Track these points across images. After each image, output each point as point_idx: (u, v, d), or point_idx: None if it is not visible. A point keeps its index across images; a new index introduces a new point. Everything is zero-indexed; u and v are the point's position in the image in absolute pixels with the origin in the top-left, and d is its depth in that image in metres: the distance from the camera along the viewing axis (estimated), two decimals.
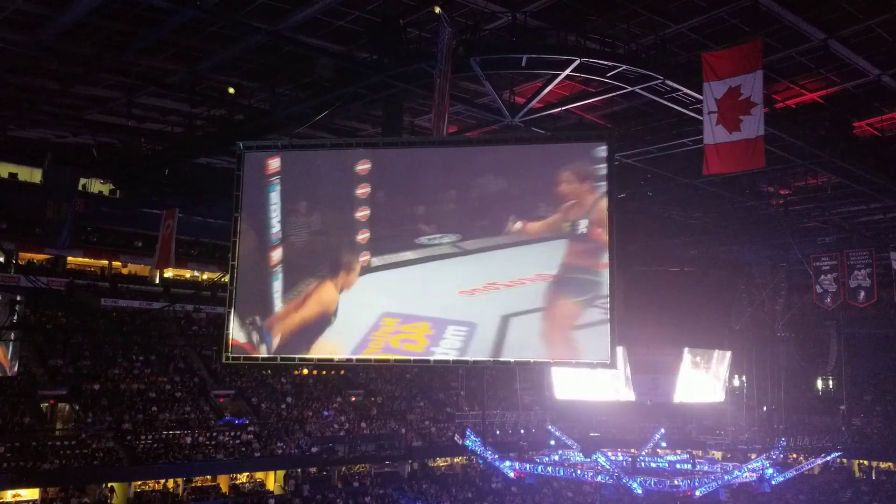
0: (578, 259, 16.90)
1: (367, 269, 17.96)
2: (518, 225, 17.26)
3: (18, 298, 26.23)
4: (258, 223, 18.50)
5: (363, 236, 18.05)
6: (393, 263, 17.85)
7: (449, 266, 17.59)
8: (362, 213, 18.08)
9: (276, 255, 18.38)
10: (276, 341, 18.15)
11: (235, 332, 18.25)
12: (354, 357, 18.33)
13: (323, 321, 17.95)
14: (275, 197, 18.52)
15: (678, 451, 42.88)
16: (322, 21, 18.61)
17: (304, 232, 18.53)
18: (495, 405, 47.23)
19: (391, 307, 17.79)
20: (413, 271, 17.76)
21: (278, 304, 18.22)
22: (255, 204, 18.52)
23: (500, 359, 17.20)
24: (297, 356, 18.65)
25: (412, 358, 18.15)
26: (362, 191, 18.14)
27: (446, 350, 17.26)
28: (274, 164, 18.54)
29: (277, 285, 18.28)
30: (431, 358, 17.56)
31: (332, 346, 17.97)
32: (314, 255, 18.37)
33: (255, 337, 18.24)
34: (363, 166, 18.14)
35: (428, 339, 17.43)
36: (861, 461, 46.27)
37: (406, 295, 17.86)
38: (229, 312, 18.22)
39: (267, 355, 18.46)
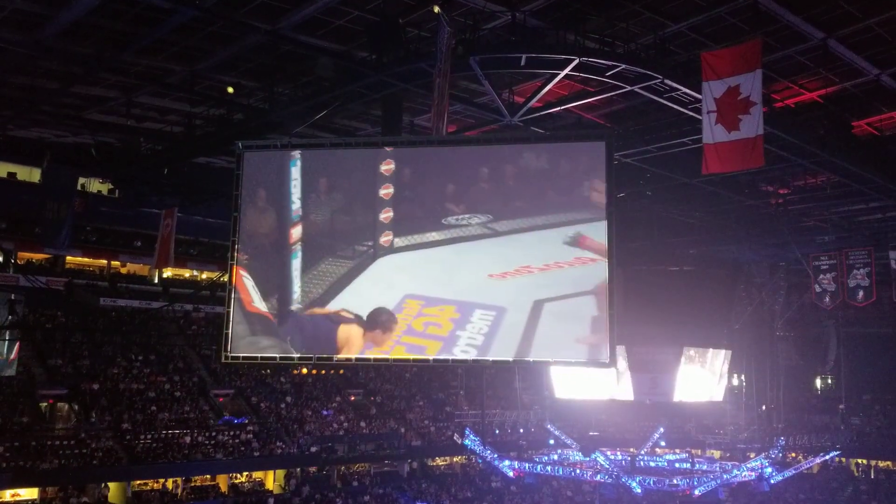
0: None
1: (389, 250, 17.45)
2: (555, 206, 16.57)
3: (13, 296, 26.15)
4: (278, 199, 18.07)
5: (386, 215, 17.51)
6: (418, 244, 17.31)
7: (478, 248, 16.98)
8: (386, 191, 17.52)
9: (296, 232, 17.97)
10: (296, 317, 17.82)
11: (258, 302, 17.91)
12: (354, 357, 18.25)
13: (344, 301, 17.56)
14: (295, 172, 18.09)
15: (677, 451, 42.94)
16: (321, 20, 18.60)
17: (325, 210, 17.98)
18: (495, 404, 47.24)
19: (414, 289, 17.24)
20: (439, 252, 17.19)
21: (297, 283, 17.82)
22: (275, 179, 18.11)
23: (500, 358, 17.01)
24: (296, 355, 18.44)
25: (411, 357, 17.92)
26: (386, 167, 17.61)
27: (473, 335, 16.66)
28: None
29: (297, 263, 17.88)
30: (431, 357, 17.42)
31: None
32: (335, 234, 17.93)
33: (276, 308, 17.95)
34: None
35: (453, 322, 16.85)
36: (859, 460, 46.29)
37: (430, 277, 17.32)
38: (229, 311, 18.15)
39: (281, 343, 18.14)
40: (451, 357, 17.27)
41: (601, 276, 16.22)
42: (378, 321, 17.37)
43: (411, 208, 17.53)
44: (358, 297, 17.58)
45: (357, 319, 17.49)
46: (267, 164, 18.39)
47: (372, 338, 17.42)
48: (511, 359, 17.04)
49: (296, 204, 18.02)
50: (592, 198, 16.52)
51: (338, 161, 18.26)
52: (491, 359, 17.02)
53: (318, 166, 18.19)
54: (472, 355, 16.84)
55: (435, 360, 17.67)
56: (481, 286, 16.85)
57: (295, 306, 17.87)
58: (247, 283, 18.03)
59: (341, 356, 18.18)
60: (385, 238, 17.52)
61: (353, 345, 17.56)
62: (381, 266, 17.52)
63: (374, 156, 17.86)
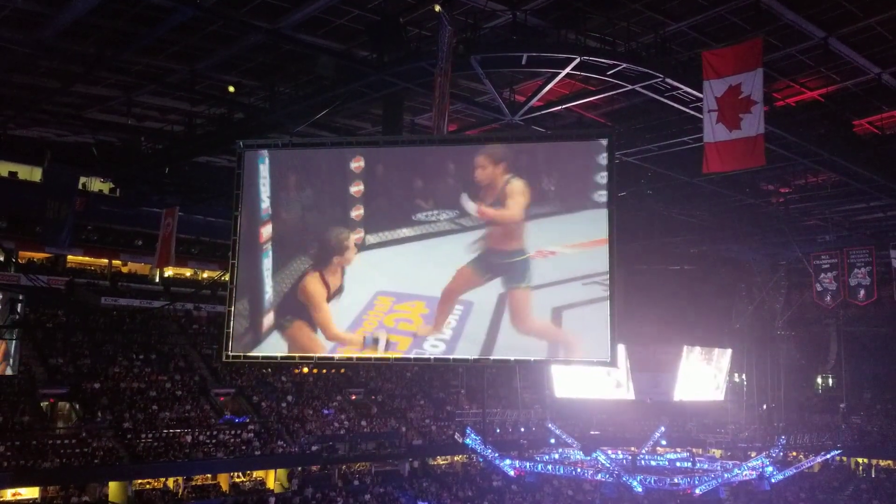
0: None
1: (361, 247, 17.57)
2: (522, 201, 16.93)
3: (20, 297, 26.19)
4: (247, 198, 18.05)
5: (357, 212, 17.61)
6: (389, 241, 17.47)
7: (447, 243, 17.19)
8: (356, 189, 17.62)
9: (266, 231, 17.96)
10: (269, 318, 17.89)
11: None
12: (355, 356, 18.25)
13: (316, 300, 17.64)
14: (264, 170, 18.06)
15: (678, 450, 42.86)
16: (322, 19, 18.61)
17: (295, 207, 18.00)
18: (495, 403, 47.23)
19: (386, 286, 17.45)
20: (409, 248, 17.38)
21: (269, 283, 17.84)
22: (243, 177, 18.10)
23: (500, 357, 17.08)
24: (297, 354, 18.44)
25: (412, 356, 17.89)
26: (357, 164, 17.69)
27: (442, 329, 16.97)
28: None
29: (268, 263, 17.89)
30: (432, 356, 17.45)
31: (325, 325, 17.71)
32: (306, 232, 17.93)
33: (247, 310, 17.93)
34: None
35: (423, 318, 17.12)
36: (860, 459, 46.28)
37: (401, 273, 17.50)
38: (230, 311, 18.13)
39: (267, 351, 18.18)
40: (451, 356, 17.31)
41: (543, 270, 16.70)
42: (328, 246, 17.54)
43: (382, 205, 17.62)
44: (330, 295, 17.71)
45: (308, 265, 17.58)
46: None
47: (339, 263, 17.47)
48: (470, 357, 17.23)
49: (265, 202, 17.99)
50: (551, 191, 16.98)
51: (307, 158, 18.23)
52: (492, 357, 17.08)
53: (287, 163, 18.15)
54: (441, 349, 17.05)
55: (436, 360, 17.70)
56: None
57: (267, 307, 17.86)
58: None
59: (342, 354, 18.19)
60: (357, 235, 17.62)
61: (315, 295, 17.55)
62: (353, 263, 17.67)
63: (343, 152, 17.86)
